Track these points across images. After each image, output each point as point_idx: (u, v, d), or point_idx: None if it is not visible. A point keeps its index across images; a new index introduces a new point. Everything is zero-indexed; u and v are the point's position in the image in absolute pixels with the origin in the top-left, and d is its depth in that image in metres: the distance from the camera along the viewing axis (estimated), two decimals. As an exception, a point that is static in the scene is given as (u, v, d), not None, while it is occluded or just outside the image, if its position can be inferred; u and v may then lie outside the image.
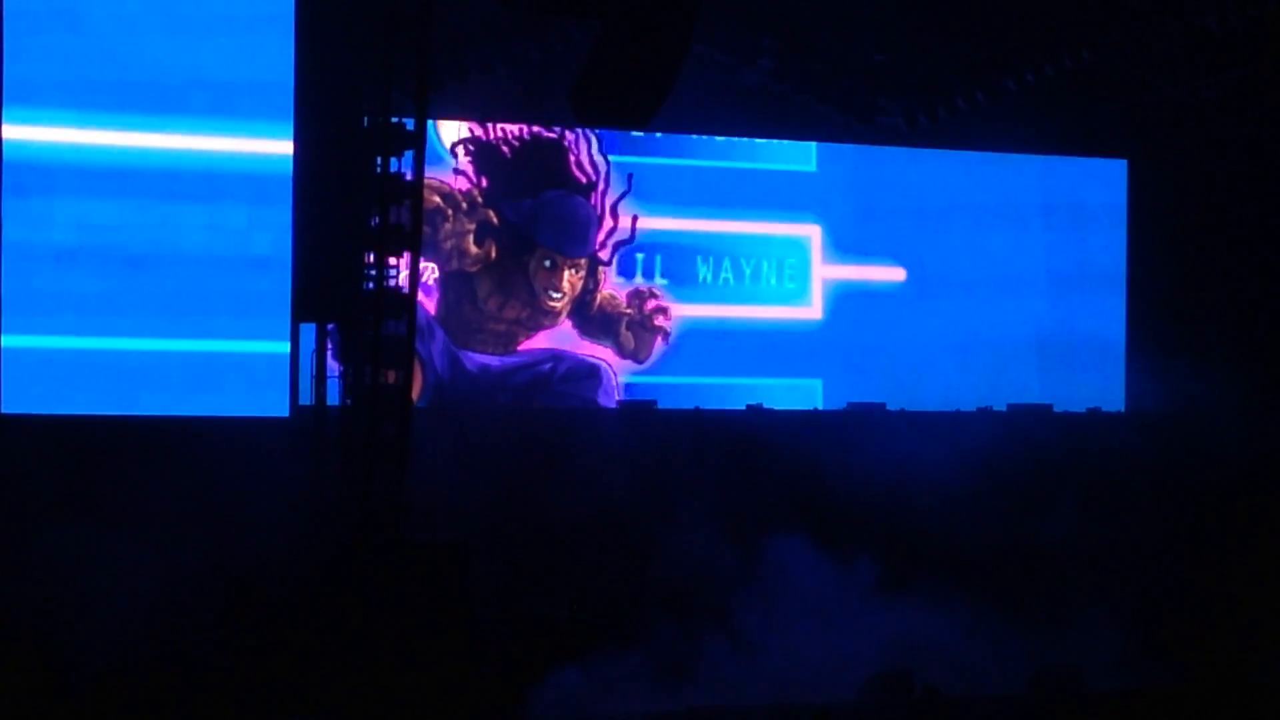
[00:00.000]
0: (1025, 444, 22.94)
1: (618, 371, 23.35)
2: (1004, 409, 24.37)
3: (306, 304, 17.66)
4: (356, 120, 17.56)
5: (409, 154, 17.69)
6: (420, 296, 21.95)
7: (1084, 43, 23.33)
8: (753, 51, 23.01)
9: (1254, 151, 24.64)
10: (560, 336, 23.19)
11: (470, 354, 22.69)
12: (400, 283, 17.92)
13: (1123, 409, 25.27)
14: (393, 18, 17.41)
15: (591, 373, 23.23)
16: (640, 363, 23.46)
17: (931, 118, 23.88)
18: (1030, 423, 23.88)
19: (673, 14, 15.60)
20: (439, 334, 22.51)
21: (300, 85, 17.55)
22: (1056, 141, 24.89)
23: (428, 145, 18.40)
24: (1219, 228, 25.21)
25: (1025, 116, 24.09)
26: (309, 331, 18.24)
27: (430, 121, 20.29)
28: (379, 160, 17.56)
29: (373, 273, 17.68)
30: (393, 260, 17.82)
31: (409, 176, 17.74)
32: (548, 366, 23.06)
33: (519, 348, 22.99)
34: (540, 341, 23.09)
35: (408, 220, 17.76)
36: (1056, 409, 24.59)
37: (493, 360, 22.81)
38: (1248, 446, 22.98)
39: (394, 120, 17.51)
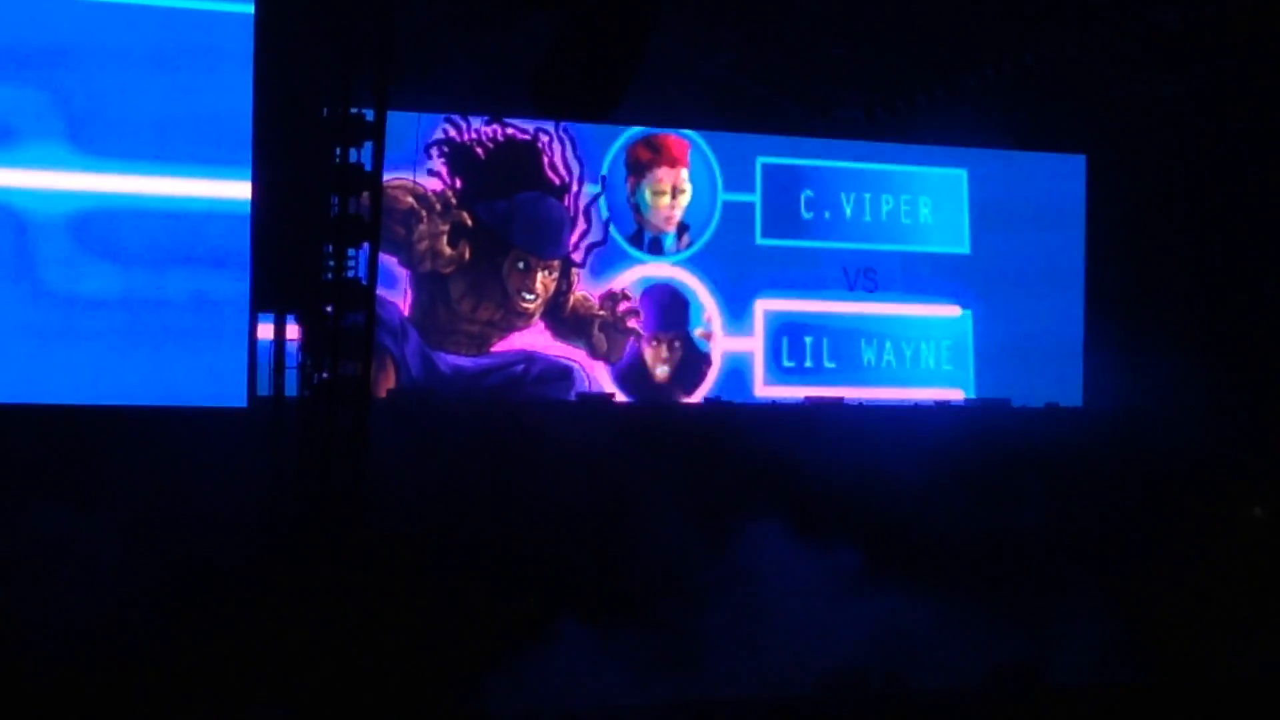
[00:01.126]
0: (984, 438, 22.99)
1: (590, 373, 23.38)
2: (962, 403, 24.46)
3: (265, 294, 17.56)
4: (316, 110, 17.48)
5: (369, 145, 17.61)
6: (395, 298, 22.09)
7: (1044, 38, 23.37)
8: (712, 44, 23.03)
9: (1212, 148, 24.74)
10: (533, 338, 23.23)
11: (444, 355, 22.72)
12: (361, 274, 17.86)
13: (1080, 404, 25.34)
14: (354, 8, 17.33)
15: (564, 374, 23.27)
16: (613, 364, 23.48)
17: (890, 112, 23.91)
18: (989, 417, 23.95)
19: (633, 6, 15.60)
20: (413, 335, 22.52)
21: (259, 76, 17.44)
22: (1015, 136, 24.94)
23: (402, 146, 18.50)
24: (1177, 224, 25.29)
25: (984, 111, 24.11)
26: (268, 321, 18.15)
27: (406, 120, 20.32)
28: (338, 151, 17.48)
29: (331, 264, 17.60)
30: (352, 251, 17.74)
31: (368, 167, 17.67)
32: (521, 368, 23.09)
33: (492, 349, 23.02)
34: (513, 343, 23.13)
35: (367, 211, 17.70)
36: (1015, 404, 24.67)
37: (466, 361, 22.84)
38: (1204, 441, 23.05)
39: (354, 111, 17.43)
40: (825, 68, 23.67)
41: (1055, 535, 22.25)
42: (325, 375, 17.43)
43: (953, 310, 24.93)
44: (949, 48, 23.61)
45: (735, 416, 22.92)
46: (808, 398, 23.77)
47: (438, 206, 22.74)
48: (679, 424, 22.68)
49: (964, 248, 25.14)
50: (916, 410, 24.00)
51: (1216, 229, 25.01)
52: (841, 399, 23.84)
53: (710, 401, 23.35)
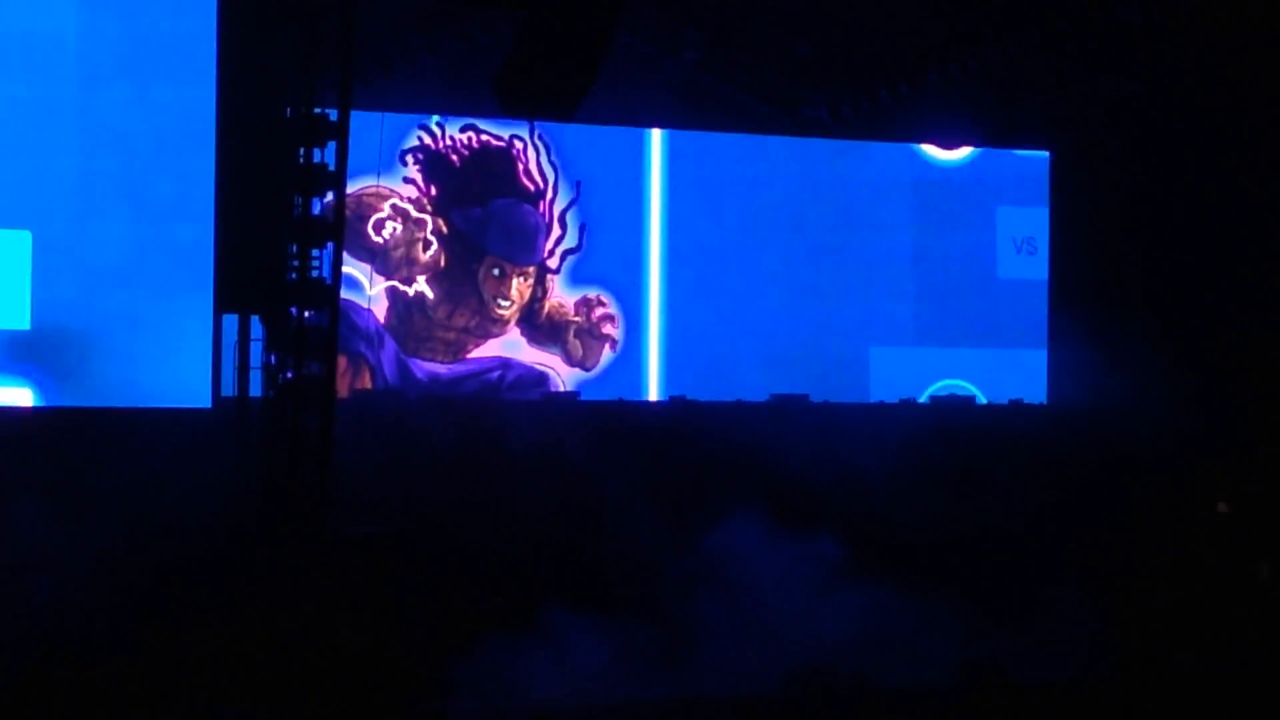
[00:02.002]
0: (949, 435, 23.00)
1: (566, 379, 23.37)
2: (926, 401, 24.48)
3: (229, 294, 17.52)
4: (279, 110, 17.43)
5: (332, 144, 17.56)
6: (370, 305, 22.08)
7: (1008, 35, 23.45)
8: (677, 42, 23.05)
9: (1176, 145, 24.78)
10: (509, 344, 23.24)
11: (419, 362, 22.76)
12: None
13: (1044, 400, 25.39)
14: (317, 7, 17.29)
15: (540, 380, 23.29)
16: (588, 370, 23.49)
17: (855, 110, 23.95)
18: (953, 414, 23.98)
19: (596, 4, 15.58)
20: (389, 342, 22.53)
21: (222, 74, 17.40)
22: (979, 134, 24.97)
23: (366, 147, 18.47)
24: (1141, 220, 25.34)
25: (949, 109, 24.14)
26: (231, 322, 18.09)
27: (370, 119, 20.27)
28: (302, 151, 17.43)
29: (295, 264, 17.55)
30: (316, 251, 17.69)
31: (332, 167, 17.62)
32: (496, 374, 23.12)
33: (468, 356, 23.02)
34: (489, 349, 23.14)
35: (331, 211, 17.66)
36: (979, 401, 24.72)
37: (442, 368, 22.85)
38: (1170, 437, 23.12)
39: (317, 111, 17.39)
40: (790, 66, 23.68)
41: (1022, 532, 22.24)
42: (290, 375, 17.39)
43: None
44: (914, 45, 23.67)
45: (700, 414, 22.90)
46: (772, 394, 23.77)
47: (413, 214, 22.75)
48: (644, 422, 22.66)
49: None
50: (882, 407, 24.02)
51: (1180, 225, 25.03)
52: (807, 395, 23.83)
53: (675, 399, 23.35)
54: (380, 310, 22.56)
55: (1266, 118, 23.90)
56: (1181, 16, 22.71)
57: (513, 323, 23.24)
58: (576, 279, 23.57)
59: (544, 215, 23.44)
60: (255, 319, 17.51)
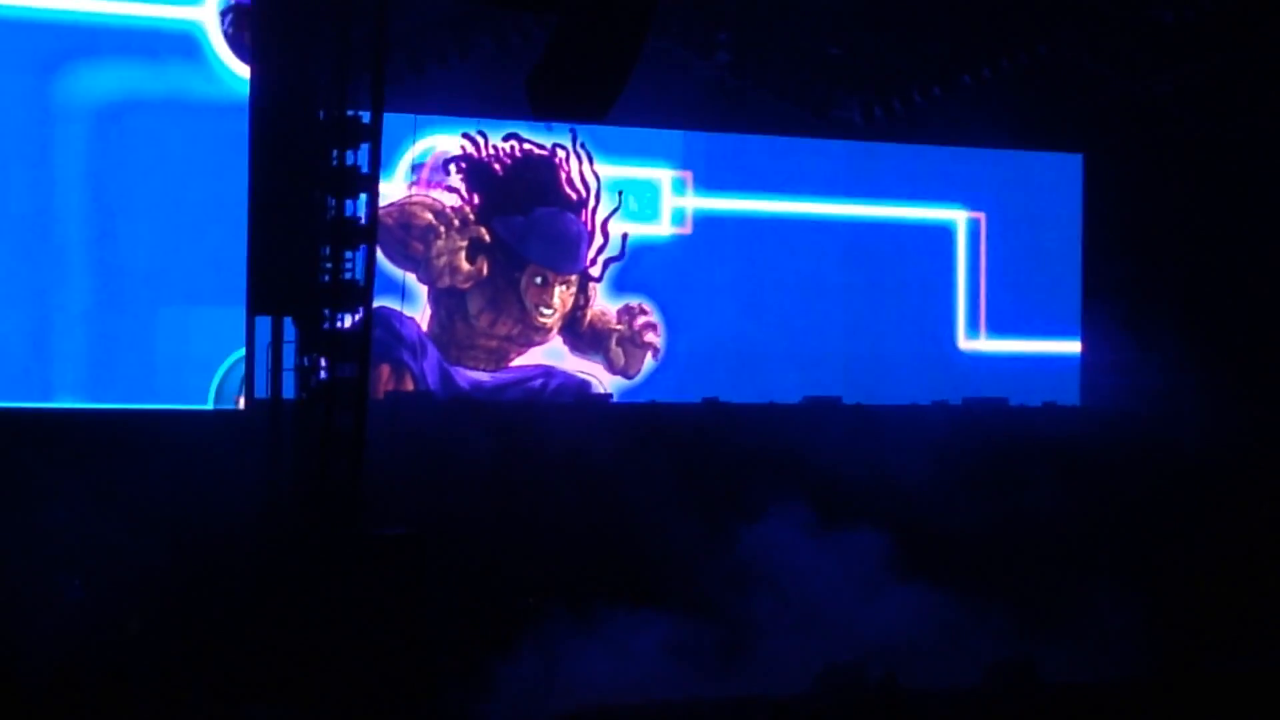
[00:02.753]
0: (983, 436, 22.96)
1: (608, 387, 23.43)
2: (959, 403, 24.44)
3: (262, 297, 17.58)
4: (312, 113, 17.50)
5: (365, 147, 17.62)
6: (414, 314, 22.14)
7: (1040, 37, 23.42)
8: (709, 45, 23.09)
9: (1209, 145, 24.73)
10: (551, 353, 23.36)
11: (462, 370, 22.87)
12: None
13: (1078, 402, 25.35)
14: (350, 10, 17.35)
15: (582, 388, 23.38)
16: (630, 378, 23.54)
17: (887, 112, 23.95)
18: (986, 416, 23.93)
19: (629, 7, 15.59)
20: (431, 350, 22.60)
21: (255, 77, 17.48)
22: (1012, 136, 24.94)
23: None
24: (1174, 221, 25.29)
25: (981, 111, 24.11)
26: (265, 325, 18.15)
27: (403, 121, 20.32)
28: (335, 153, 17.49)
29: (328, 266, 17.61)
30: (349, 254, 17.74)
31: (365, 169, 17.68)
32: (539, 382, 23.22)
33: (510, 364, 23.08)
34: (532, 357, 23.25)
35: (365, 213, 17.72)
36: (1012, 402, 24.66)
37: (484, 376, 22.93)
38: (1203, 439, 23.07)
39: (350, 113, 17.45)
40: (822, 69, 23.69)
41: (1053, 533, 22.20)
42: (323, 377, 17.46)
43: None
44: (946, 47, 23.66)
45: (731, 416, 22.90)
46: (805, 397, 23.78)
47: (456, 222, 22.83)
48: (675, 423, 22.64)
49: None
50: (915, 409, 23.97)
51: (1213, 226, 24.98)
52: (840, 398, 23.84)
53: (708, 402, 23.34)
54: (423, 319, 22.64)
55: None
56: (1214, 17, 22.65)
57: (555, 331, 23.31)
58: (619, 288, 23.62)
59: (586, 224, 23.48)
60: (288, 321, 17.58)
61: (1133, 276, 25.42)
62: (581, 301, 23.47)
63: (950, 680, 17.44)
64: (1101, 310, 25.31)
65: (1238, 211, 24.70)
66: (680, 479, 21.27)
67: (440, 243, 22.72)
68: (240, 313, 17.82)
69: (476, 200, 22.98)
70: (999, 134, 24.63)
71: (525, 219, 23.24)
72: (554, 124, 22.85)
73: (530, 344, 23.26)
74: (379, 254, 21.57)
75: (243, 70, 19.61)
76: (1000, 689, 16.86)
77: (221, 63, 20.75)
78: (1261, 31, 22.87)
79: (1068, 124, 25.16)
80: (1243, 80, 23.71)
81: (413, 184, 22.54)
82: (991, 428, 23.47)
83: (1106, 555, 21.78)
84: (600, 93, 16.07)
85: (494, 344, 23.03)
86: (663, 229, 23.86)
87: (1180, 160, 25.03)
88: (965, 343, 25.27)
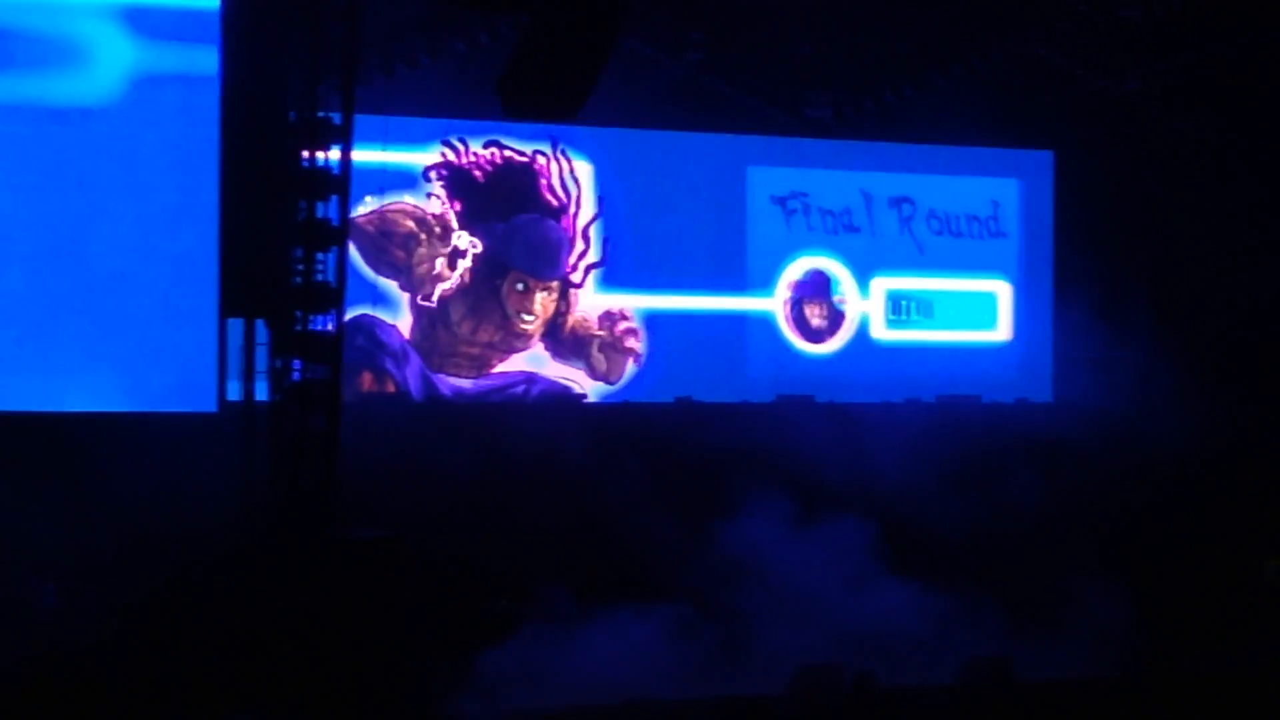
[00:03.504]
0: (957, 434, 22.98)
1: (590, 393, 23.40)
2: (932, 400, 24.47)
3: (234, 299, 17.52)
4: (283, 114, 17.45)
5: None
6: (395, 321, 22.09)
7: (1011, 35, 23.47)
8: (680, 44, 23.06)
9: (1179, 143, 24.82)
10: (533, 359, 23.28)
11: (444, 377, 22.77)
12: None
13: (1050, 399, 25.39)
14: (320, 11, 17.31)
15: (564, 394, 23.28)
16: (612, 384, 23.52)
17: (859, 110, 23.97)
18: (959, 414, 23.97)
19: (599, 7, 15.59)
20: (414, 358, 22.55)
21: (225, 79, 17.42)
22: (983, 134, 24.96)
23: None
24: (1144, 218, 25.35)
25: (952, 108, 24.13)
26: (236, 327, 18.09)
27: (374, 123, 20.24)
28: (305, 155, 17.44)
29: (301, 268, 17.57)
30: (321, 255, 17.69)
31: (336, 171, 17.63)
32: (521, 389, 23.17)
33: (492, 370, 23.03)
34: (514, 364, 23.15)
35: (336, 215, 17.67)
36: (984, 399, 24.70)
37: (466, 383, 22.88)
38: (1176, 436, 23.11)
39: (321, 115, 17.40)
40: (794, 66, 23.69)
41: (1029, 529, 22.25)
42: (296, 379, 17.41)
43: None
44: (917, 46, 23.69)
45: (705, 415, 22.92)
46: (779, 395, 23.80)
47: (437, 229, 22.77)
48: (649, 423, 22.65)
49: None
50: (888, 407, 23.98)
51: (1183, 223, 25.07)
52: (813, 397, 23.86)
53: (680, 401, 23.36)
54: (405, 326, 22.59)
55: (1269, 115, 23.94)
56: (1183, 15, 22.72)
57: (536, 337, 23.26)
58: (599, 293, 23.62)
59: (567, 230, 23.44)
60: (260, 323, 17.51)
61: (1104, 272, 25.47)
62: (563, 308, 23.43)
63: (926, 678, 17.49)
64: (1073, 306, 25.33)
65: (1207, 207, 24.81)
66: (652, 479, 21.27)
67: (421, 250, 22.67)
68: (213, 315, 17.75)
69: (457, 207, 22.93)
70: (970, 131, 24.64)
71: (506, 225, 23.19)
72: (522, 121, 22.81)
73: (512, 351, 23.19)
74: (360, 261, 21.72)
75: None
76: (976, 687, 16.88)
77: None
78: (1229, 30, 22.94)
79: (1038, 121, 25.15)
80: (1211, 78, 23.77)
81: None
82: (965, 424, 23.51)
83: (1082, 551, 21.82)
84: (571, 92, 16.07)
85: (476, 351, 22.99)
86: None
87: (1150, 157, 25.11)
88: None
